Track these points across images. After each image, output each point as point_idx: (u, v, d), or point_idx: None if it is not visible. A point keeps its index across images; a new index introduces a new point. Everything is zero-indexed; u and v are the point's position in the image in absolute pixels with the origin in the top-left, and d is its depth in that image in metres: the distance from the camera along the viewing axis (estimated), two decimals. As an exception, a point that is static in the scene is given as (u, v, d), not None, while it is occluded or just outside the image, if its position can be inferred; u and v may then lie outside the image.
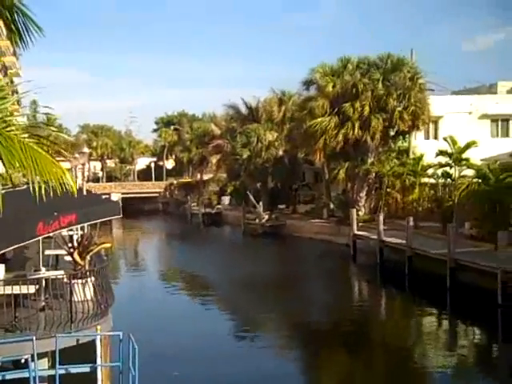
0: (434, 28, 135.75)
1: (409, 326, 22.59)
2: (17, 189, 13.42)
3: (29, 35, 8.55)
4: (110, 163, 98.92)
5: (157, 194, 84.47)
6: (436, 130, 44.79)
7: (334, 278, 31.55)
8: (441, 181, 35.58)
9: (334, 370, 17.27)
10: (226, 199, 65.82)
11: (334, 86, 40.86)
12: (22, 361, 10.41)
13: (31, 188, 5.93)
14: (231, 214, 60.44)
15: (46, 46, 9.18)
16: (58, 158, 6.60)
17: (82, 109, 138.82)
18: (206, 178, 77.19)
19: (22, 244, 12.25)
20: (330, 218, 44.81)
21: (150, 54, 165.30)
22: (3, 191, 6.05)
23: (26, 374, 10.16)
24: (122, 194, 73.50)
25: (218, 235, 55.96)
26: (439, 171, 35.12)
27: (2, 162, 5.75)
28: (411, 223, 29.98)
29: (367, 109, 39.52)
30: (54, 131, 7.38)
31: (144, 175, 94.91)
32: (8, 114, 6.07)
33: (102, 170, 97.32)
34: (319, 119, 40.39)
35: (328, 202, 46.42)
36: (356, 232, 36.03)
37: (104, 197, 18.11)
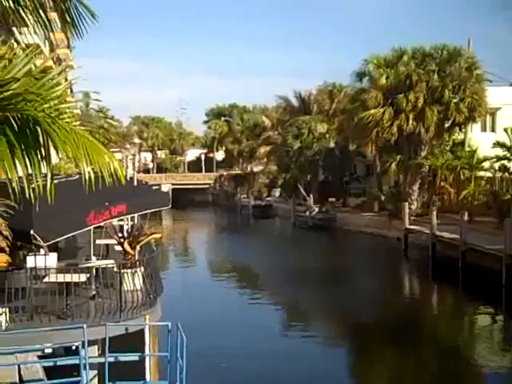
0: (493, 17, 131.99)
1: (462, 324, 22.03)
2: (69, 179, 13.59)
3: (83, 24, 8.54)
4: (161, 154, 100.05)
5: (207, 186, 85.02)
6: (493, 121, 43.55)
7: (385, 273, 31.07)
8: (498, 174, 34.55)
9: (384, 367, 16.93)
10: (276, 191, 65.71)
11: (387, 78, 40.15)
12: (73, 347, 10.50)
13: (83, 177, 5.91)
14: (281, 207, 60.29)
15: (98, 34, 9.16)
16: (109, 149, 6.58)
17: (134, 100, 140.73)
18: (256, 170, 77.21)
19: (73, 233, 12.40)
20: (381, 212, 44.15)
21: (203, 44, 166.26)
22: (56, 181, 6.03)
23: (77, 361, 10.25)
24: (172, 185, 74.24)
25: (268, 227, 55.91)
26: (496, 164, 34.10)
27: (56, 150, 5.73)
28: (465, 218, 29.22)
29: (421, 100, 38.72)
30: (106, 120, 7.31)
31: (194, 167, 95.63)
32: (61, 101, 6.04)
33: (152, 161, 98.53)
34: (372, 111, 39.77)
35: (379, 195, 45.74)
36: (408, 226, 35.39)
37: (154, 187, 18.20)
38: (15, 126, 5.64)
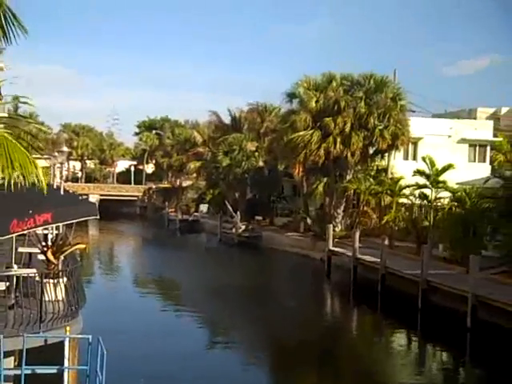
0: (419, 50, 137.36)
1: (378, 346, 22.61)
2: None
3: (13, 32, 8.54)
4: (90, 164, 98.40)
5: (135, 198, 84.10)
6: (415, 150, 45.23)
7: (306, 294, 31.58)
8: (417, 202, 35.86)
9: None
10: (203, 207, 65.73)
11: (317, 101, 41.22)
12: (-12, 359, 10.26)
13: (6, 183, 5.89)
14: (208, 223, 60.35)
15: (31, 40, 9.17)
16: (36, 155, 6.59)
17: (65, 107, 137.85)
18: (185, 184, 77.01)
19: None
20: (307, 233, 44.96)
21: (137, 54, 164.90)
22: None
23: (-8, 372, 10.04)
24: (101, 195, 73.17)
25: (194, 243, 55.82)
26: (416, 192, 35.41)
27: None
28: (386, 242, 30.19)
29: (349, 125, 39.92)
30: (34, 126, 7.30)
31: (123, 178, 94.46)
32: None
33: (81, 170, 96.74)
34: (301, 133, 40.68)
35: (305, 216, 46.58)
36: (331, 248, 36.15)
37: (82, 197, 17.99)
38: None
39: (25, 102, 6.45)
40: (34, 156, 6.31)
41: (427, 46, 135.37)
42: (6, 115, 6.44)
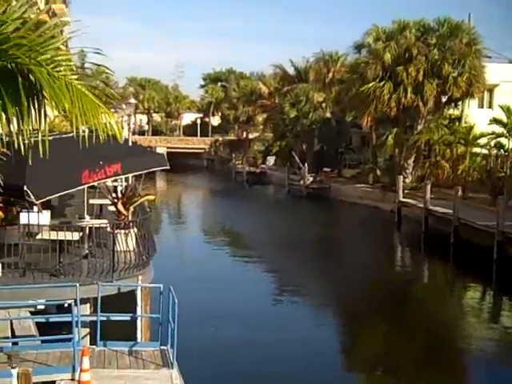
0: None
1: (451, 299, 22.12)
2: (63, 136, 13.41)
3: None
4: (156, 117, 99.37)
5: (202, 151, 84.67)
6: (491, 98, 43.33)
7: (376, 245, 31.17)
8: (493, 152, 34.49)
9: (373, 341, 17.01)
10: (271, 159, 65.50)
11: (388, 50, 39.76)
12: (65, 305, 10.49)
13: (76, 134, 5.72)
14: (276, 175, 60.19)
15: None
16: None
17: (131, 60, 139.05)
18: (251, 136, 76.83)
19: (67, 191, 12.29)
20: (376, 184, 44.18)
21: (204, 6, 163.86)
22: (50, 137, 5.85)
23: (69, 319, 10.24)
24: (167, 148, 73.85)
25: (262, 195, 55.87)
26: (492, 142, 34.02)
27: (51, 104, 5.55)
28: (459, 193, 29.23)
29: (421, 73, 38.44)
30: (103, 81, 7.10)
31: (190, 131, 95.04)
32: (57, 54, 5.82)
33: (147, 123, 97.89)
34: (371, 84, 39.48)
35: (374, 167, 45.72)
36: (402, 199, 35.42)
37: (149, 150, 18.06)
38: (8, 74, 5.44)
39: (98, 53, 6.22)
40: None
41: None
42: (74, 67, 6.24)
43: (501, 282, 22.90)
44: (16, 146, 5.55)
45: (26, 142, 5.70)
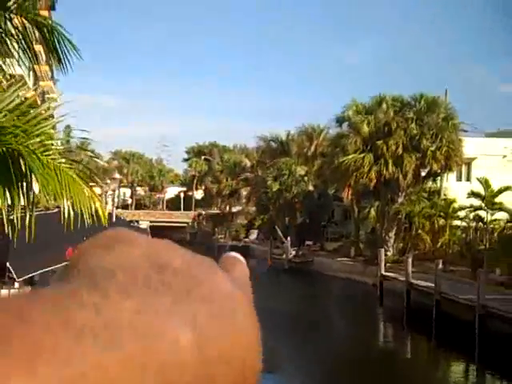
0: (471, 69, 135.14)
1: (433, 376, 21.94)
2: (47, 212, 13.55)
3: (67, 58, 8.68)
4: (140, 191, 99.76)
5: (185, 224, 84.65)
6: (469, 171, 44.34)
7: (359, 320, 31.00)
8: (472, 224, 35.02)
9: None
10: (253, 233, 65.69)
11: (367, 124, 40.90)
12: None
13: (62, 214, 5.91)
14: (258, 248, 60.18)
15: (81, 71, 9.34)
16: (89, 184, 6.61)
17: (115, 135, 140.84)
18: (234, 210, 77.23)
19: (50, 268, 12.31)
20: (358, 257, 44.34)
21: (185, 80, 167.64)
22: (35, 214, 6.03)
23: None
24: (151, 222, 73.91)
25: (244, 268, 55.51)
26: (471, 214, 34.59)
27: (38, 186, 5.76)
28: (440, 266, 29.46)
29: (400, 147, 39.40)
30: (89, 156, 7.37)
31: (173, 204, 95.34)
32: (47, 138, 6.09)
33: (131, 197, 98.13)
34: (351, 156, 40.33)
35: (356, 240, 46.01)
36: (383, 273, 35.52)
37: (132, 224, 18.19)
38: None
39: (84, 130, 6.53)
40: (90, 185, 6.33)
41: (481, 63, 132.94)
42: (62, 147, 6.52)
43: (484, 358, 22.79)
44: (5, 225, 5.71)
45: (13, 217, 5.87)
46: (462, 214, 36.08)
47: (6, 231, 6.05)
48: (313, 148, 56.92)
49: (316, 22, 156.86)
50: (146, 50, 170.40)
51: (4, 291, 12.81)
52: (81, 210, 5.88)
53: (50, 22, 8.44)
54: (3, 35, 8.19)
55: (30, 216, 5.77)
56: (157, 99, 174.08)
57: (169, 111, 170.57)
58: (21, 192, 5.72)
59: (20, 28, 8.10)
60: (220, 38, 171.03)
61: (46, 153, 5.86)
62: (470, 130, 44.42)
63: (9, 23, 8.02)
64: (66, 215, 5.76)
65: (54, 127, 8.09)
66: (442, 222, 36.67)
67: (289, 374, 20.58)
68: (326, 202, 54.00)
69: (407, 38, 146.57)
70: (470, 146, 41.48)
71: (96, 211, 6.13)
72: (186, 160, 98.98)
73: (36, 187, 6.00)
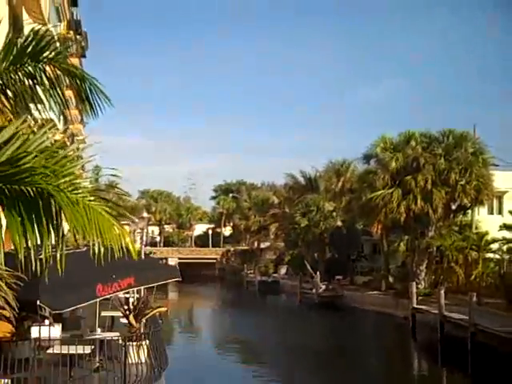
0: (500, 104, 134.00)
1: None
2: (76, 250, 13.73)
3: (97, 104, 8.93)
4: (168, 228, 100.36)
5: (213, 261, 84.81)
6: (500, 204, 43.87)
7: (392, 354, 30.51)
8: (506, 256, 34.49)
9: None
10: (282, 268, 65.45)
11: (396, 160, 40.78)
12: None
13: (91, 251, 6.00)
14: (288, 283, 59.86)
15: (109, 112, 9.55)
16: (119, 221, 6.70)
17: (142, 174, 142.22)
18: (263, 246, 77.18)
19: (82, 305, 12.43)
20: (389, 290, 43.84)
21: (211, 119, 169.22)
22: (58, 254, 6.13)
23: None
24: (179, 258, 74.12)
25: (274, 304, 55.30)
26: (504, 247, 34.10)
27: (68, 224, 5.86)
28: (474, 298, 28.94)
29: (429, 182, 39.15)
30: (118, 194, 7.52)
31: (201, 241, 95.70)
32: (75, 177, 6.22)
33: (159, 234, 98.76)
34: (380, 192, 40.19)
35: (386, 274, 45.55)
36: (415, 305, 35.01)
37: (161, 261, 18.29)
38: (28, 198, 5.79)
39: (114, 175, 6.69)
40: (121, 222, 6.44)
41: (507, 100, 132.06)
42: (90, 186, 6.66)
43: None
44: (33, 264, 5.80)
45: (42, 257, 5.97)
46: (494, 246, 35.57)
47: (34, 269, 6.15)
48: (340, 184, 56.85)
49: (340, 60, 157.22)
50: (170, 90, 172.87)
51: (34, 328, 12.97)
52: (110, 247, 5.95)
53: (81, 71, 8.70)
54: (36, 85, 8.46)
55: (61, 255, 5.87)
56: (183, 138, 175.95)
57: (195, 150, 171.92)
58: (51, 230, 5.82)
59: (52, 77, 8.37)
60: (243, 77, 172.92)
61: (75, 191, 5.99)
62: (502, 165, 44.04)
63: (42, 74, 8.29)
64: (96, 251, 5.84)
65: (82, 167, 8.30)
66: (474, 254, 36.17)
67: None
68: (354, 237, 53.69)
69: (433, 79, 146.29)
70: (501, 179, 41.11)
71: (126, 247, 6.20)
72: (213, 198, 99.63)
73: (65, 226, 6.11)
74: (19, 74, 8.05)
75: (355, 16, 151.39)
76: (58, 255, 5.86)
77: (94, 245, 5.90)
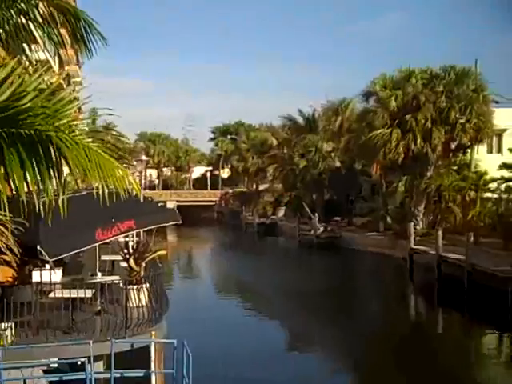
0: (502, 37, 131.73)
1: (468, 349, 21.70)
2: (76, 195, 13.63)
3: (92, 44, 8.67)
4: (166, 171, 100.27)
5: (212, 203, 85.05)
6: (500, 143, 43.62)
7: (390, 295, 30.92)
8: (504, 196, 34.50)
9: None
10: (281, 210, 65.68)
11: (395, 99, 40.27)
12: (79, 363, 10.49)
13: (95, 193, 5.92)
14: (286, 225, 60.21)
15: (106, 52, 9.29)
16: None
17: (140, 116, 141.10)
18: (261, 188, 77.23)
19: (81, 249, 12.43)
20: (387, 232, 44.10)
21: (211, 58, 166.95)
22: (60, 197, 6.04)
23: (83, 376, 10.23)
24: (178, 202, 74.33)
25: (273, 246, 55.78)
26: (502, 186, 34.07)
27: (69, 166, 5.77)
28: (471, 239, 29.12)
29: (429, 121, 38.81)
30: (114, 135, 7.39)
31: (199, 184, 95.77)
32: (73, 119, 6.09)
33: (158, 177, 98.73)
34: (379, 131, 39.85)
35: (385, 214, 45.71)
36: (413, 246, 35.29)
37: (160, 204, 18.22)
38: (27, 141, 5.67)
39: (110, 114, 6.56)
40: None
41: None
42: (86, 128, 6.54)
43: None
44: (37, 207, 5.73)
45: (43, 201, 5.88)
46: (493, 186, 35.56)
47: (37, 214, 6.07)
48: (339, 123, 56.07)
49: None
50: (169, 28, 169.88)
51: (36, 272, 13.01)
52: (112, 189, 5.86)
53: (75, 9, 8.41)
54: (29, 22, 8.21)
55: (63, 199, 5.78)
56: (180, 79, 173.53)
57: (193, 91, 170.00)
58: (51, 173, 5.72)
59: (45, 14, 8.09)
60: (245, 12, 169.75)
61: (74, 133, 5.87)
62: (502, 101, 43.44)
63: (35, 10, 8.01)
64: (100, 193, 5.75)
65: (79, 109, 8.11)
66: (472, 194, 36.21)
67: (325, 350, 20.56)
68: (353, 178, 53.58)
69: (434, 11, 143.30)
70: (502, 116, 40.63)
71: (130, 186, 6.11)
72: (212, 139, 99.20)
73: (65, 170, 6.01)
74: (11, 11, 7.79)
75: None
76: (60, 199, 5.78)
77: (97, 187, 5.82)
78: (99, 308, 12.36)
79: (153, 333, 11.57)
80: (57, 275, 13.23)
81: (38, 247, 10.19)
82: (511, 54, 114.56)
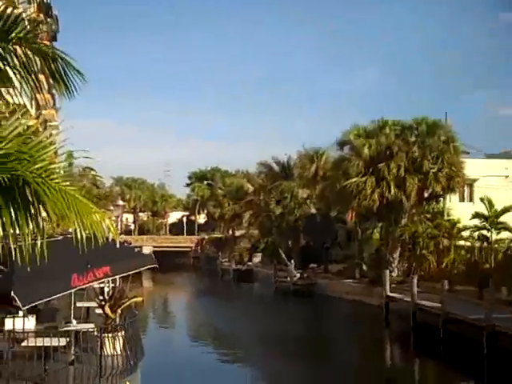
0: (471, 95, 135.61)
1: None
2: (52, 239, 13.48)
3: (72, 85, 8.69)
4: (143, 216, 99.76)
5: (188, 249, 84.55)
6: (471, 192, 44.45)
7: (366, 342, 30.72)
8: (477, 244, 34.91)
9: None
10: (257, 256, 65.50)
11: (369, 148, 40.96)
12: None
13: (74, 237, 5.90)
14: (262, 271, 59.96)
15: (85, 98, 9.33)
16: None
17: (116, 161, 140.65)
18: (237, 234, 77.11)
19: (55, 296, 12.23)
20: (363, 279, 44.14)
21: (187, 108, 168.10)
22: (39, 242, 6.02)
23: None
24: (154, 247, 73.65)
25: (249, 292, 55.39)
26: (475, 234, 34.50)
27: (46, 211, 5.75)
28: (446, 286, 29.26)
29: (402, 169, 39.45)
30: (92, 180, 7.37)
31: (176, 229, 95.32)
32: (50, 162, 6.11)
33: (134, 222, 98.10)
34: (354, 179, 40.33)
35: (360, 262, 45.83)
36: (389, 293, 35.31)
37: (136, 249, 18.10)
38: (4, 186, 5.65)
39: (87, 157, 6.59)
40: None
41: (478, 91, 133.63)
42: (62, 172, 6.55)
43: (492, 377, 22.55)
44: (13, 252, 5.69)
45: (20, 246, 5.84)
46: (466, 234, 36.00)
47: (13, 259, 6.02)
48: (314, 170, 56.48)
49: (313, 51, 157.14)
50: (143, 75, 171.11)
51: (8, 320, 12.75)
52: (89, 233, 5.84)
53: (53, 51, 8.46)
54: (6, 66, 8.21)
55: (41, 243, 5.75)
56: (158, 126, 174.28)
57: (169, 138, 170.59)
58: (29, 219, 5.70)
59: (23, 58, 8.13)
60: (217, 61, 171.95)
61: (51, 177, 5.87)
62: (472, 153, 44.66)
63: (13, 55, 8.04)
64: (78, 237, 5.73)
65: (56, 153, 8.11)
66: (446, 242, 36.57)
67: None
68: (328, 225, 53.75)
69: (405, 67, 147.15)
70: (472, 167, 41.67)
71: (109, 230, 6.10)
72: (188, 185, 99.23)
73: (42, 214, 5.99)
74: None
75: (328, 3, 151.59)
76: (39, 244, 5.76)
77: (74, 231, 5.79)
78: (73, 357, 12.12)
79: (127, 383, 11.36)
80: (30, 322, 12.98)
81: (12, 294, 10.01)
82: (481, 109, 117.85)
